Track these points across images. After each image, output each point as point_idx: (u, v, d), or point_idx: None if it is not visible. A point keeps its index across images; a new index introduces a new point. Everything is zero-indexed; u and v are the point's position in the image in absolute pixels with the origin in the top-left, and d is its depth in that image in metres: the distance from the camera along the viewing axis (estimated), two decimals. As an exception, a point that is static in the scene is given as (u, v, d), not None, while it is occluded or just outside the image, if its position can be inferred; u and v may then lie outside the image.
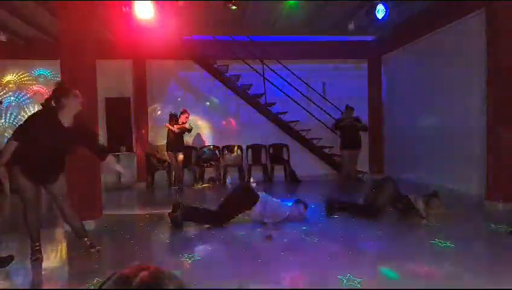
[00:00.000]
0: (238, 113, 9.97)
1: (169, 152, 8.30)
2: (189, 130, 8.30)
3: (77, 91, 3.83)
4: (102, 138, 8.85)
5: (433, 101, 7.81)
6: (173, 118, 8.31)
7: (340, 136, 8.65)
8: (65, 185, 3.98)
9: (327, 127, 9.53)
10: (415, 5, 7.44)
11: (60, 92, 3.73)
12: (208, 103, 9.92)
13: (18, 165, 3.66)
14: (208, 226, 5.06)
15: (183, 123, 8.15)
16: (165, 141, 8.40)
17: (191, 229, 4.98)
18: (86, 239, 4.10)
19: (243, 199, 5.15)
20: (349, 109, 8.43)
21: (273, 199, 5.29)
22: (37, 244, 3.86)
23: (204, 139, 9.96)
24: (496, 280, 3.12)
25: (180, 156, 8.20)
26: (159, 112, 9.78)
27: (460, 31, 6.97)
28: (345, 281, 3.09)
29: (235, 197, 5.19)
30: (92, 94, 5.35)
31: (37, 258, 3.81)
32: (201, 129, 9.94)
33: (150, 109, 9.70)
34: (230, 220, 5.11)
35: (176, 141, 8.17)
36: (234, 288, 2.95)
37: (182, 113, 8.23)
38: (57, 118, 3.70)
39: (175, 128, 8.07)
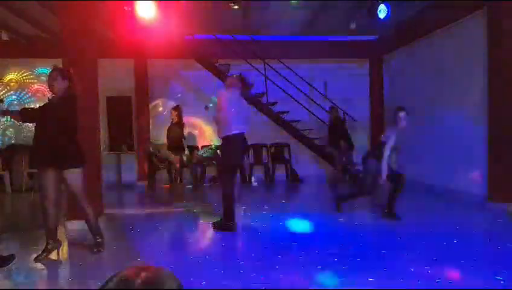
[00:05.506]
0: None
1: (171, 151, 8.21)
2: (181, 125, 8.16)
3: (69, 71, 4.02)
4: (104, 137, 8.84)
5: (435, 100, 7.79)
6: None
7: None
8: (81, 180, 3.99)
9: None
10: (416, 5, 7.42)
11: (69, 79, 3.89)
12: (210, 105, 9.87)
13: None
14: (208, 224, 5.04)
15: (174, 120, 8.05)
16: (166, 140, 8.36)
17: (191, 228, 4.97)
18: (97, 237, 4.11)
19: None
20: (333, 109, 8.91)
21: None
22: (50, 241, 3.91)
23: (205, 138, 9.95)
24: (496, 280, 3.11)
25: (183, 156, 8.15)
26: (160, 110, 9.77)
27: (461, 31, 6.94)
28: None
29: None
30: (94, 93, 5.35)
31: (49, 252, 3.90)
32: (203, 128, 9.93)
33: (151, 108, 9.70)
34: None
35: (177, 140, 8.12)
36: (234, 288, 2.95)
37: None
38: (49, 99, 3.91)
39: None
